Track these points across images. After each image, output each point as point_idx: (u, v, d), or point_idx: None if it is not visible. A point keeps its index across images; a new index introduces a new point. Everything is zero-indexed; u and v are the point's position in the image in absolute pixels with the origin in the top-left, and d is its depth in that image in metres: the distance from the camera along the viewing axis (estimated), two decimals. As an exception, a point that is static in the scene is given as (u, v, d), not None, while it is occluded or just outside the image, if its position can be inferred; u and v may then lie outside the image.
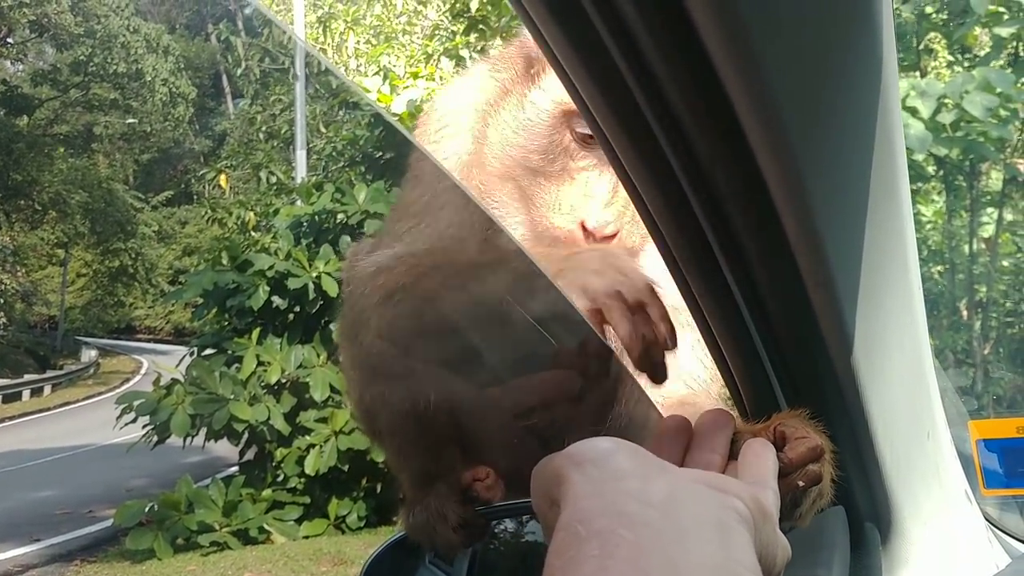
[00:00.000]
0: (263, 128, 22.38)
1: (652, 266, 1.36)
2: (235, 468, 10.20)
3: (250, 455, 9.57)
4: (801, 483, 1.02)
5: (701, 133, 0.77)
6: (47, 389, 26.57)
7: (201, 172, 35.75)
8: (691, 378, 1.51)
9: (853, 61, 0.73)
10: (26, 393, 25.23)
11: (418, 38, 15.01)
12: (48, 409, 23.67)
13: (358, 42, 15.53)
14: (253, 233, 13.35)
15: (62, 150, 35.24)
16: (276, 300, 9.19)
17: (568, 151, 1.54)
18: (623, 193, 1.43)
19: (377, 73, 12.27)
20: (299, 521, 8.86)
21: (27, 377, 26.81)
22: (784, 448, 1.04)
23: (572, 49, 0.72)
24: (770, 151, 0.75)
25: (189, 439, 9.00)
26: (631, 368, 1.23)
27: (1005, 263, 8.85)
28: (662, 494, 0.72)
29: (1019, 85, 7.77)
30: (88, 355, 34.72)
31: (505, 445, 1.48)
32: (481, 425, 1.50)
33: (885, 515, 1.24)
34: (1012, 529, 1.67)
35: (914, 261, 1.05)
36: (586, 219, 1.48)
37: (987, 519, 1.56)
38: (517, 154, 1.58)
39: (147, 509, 8.55)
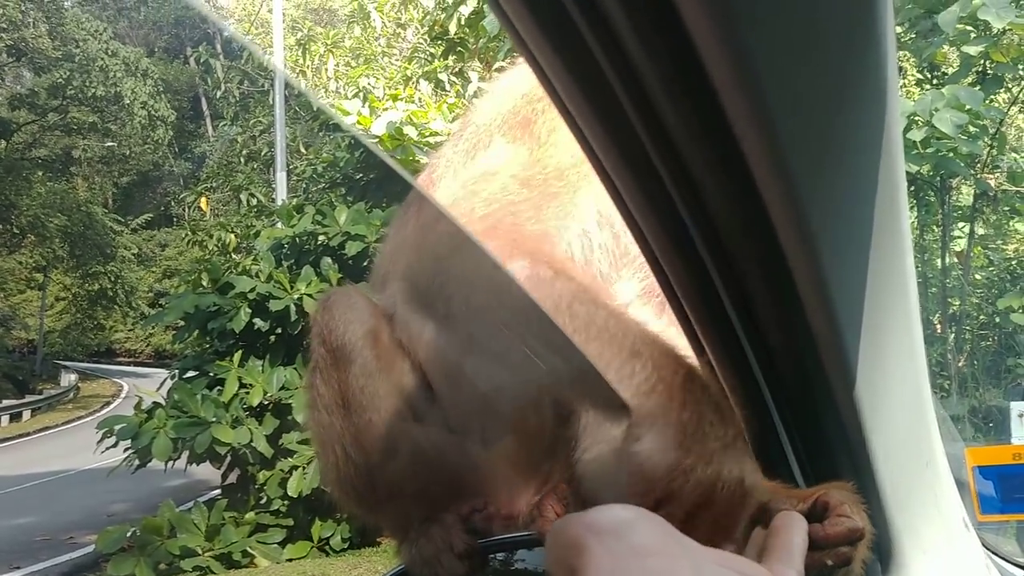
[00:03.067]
0: (243, 150, 22.38)
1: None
2: (217, 491, 10.14)
3: (233, 478, 9.50)
4: (830, 562, 1.00)
5: (709, 177, 0.78)
6: (26, 414, 26.31)
7: (181, 195, 35.68)
8: None
9: (860, 96, 0.73)
10: (5, 418, 24.97)
11: (397, 60, 15.09)
12: (27, 434, 23.43)
13: (337, 64, 15.60)
14: (234, 255, 13.35)
15: (40, 174, 35.10)
16: (258, 322, 9.15)
17: None
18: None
19: (356, 95, 12.32)
20: (282, 544, 8.79)
21: (5, 402, 26.54)
22: (824, 520, 1.02)
23: (581, 93, 0.73)
24: (775, 187, 0.76)
25: (171, 462, 8.93)
26: None
27: (977, 276, 8.98)
28: None
29: (988, 102, 7.91)
30: (68, 379, 34.41)
31: (500, 477, 1.49)
32: (476, 462, 1.51)
33: (885, 545, 1.24)
34: (1008, 554, 1.68)
35: (914, 292, 1.06)
36: None
37: (983, 545, 1.56)
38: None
39: (129, 534, 8.46)
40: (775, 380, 1.03)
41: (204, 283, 9.49)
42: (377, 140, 9.31)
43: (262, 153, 20.59)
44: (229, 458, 8.98)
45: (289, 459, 8.78)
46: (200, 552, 8.34)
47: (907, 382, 1.18)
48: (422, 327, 1.48)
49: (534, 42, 0.70)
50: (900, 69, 8.86)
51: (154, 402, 9.10)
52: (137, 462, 8.88)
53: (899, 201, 0.88)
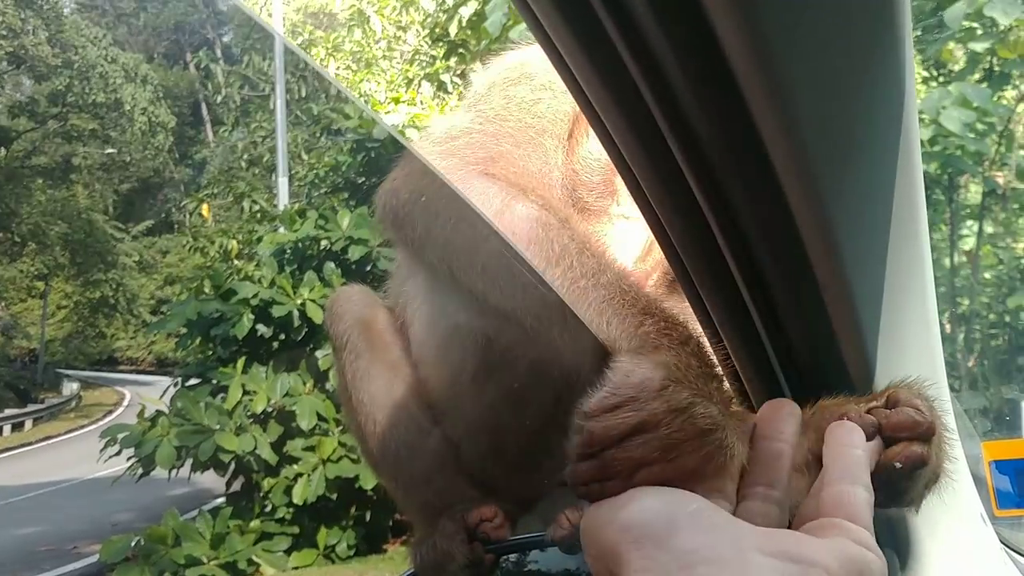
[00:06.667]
0: (244, 156, 22.38)
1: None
2: (222, 499, 10.11)
3: (237, 486, 9.48)
4: (899, 464, 0.90)
5: (726, 163, 0.77)
6: (28, 423, 26.28)
7: (182, 201, 35.77)
8: None
9: (878, 89, 0.73)
10: (7, 428, 24.95)
11: (398, 63, 15.07)
12: (30, 444, 23.40)
13: (338, 68, 15.58)
14: (236, 261, 13.31)
15: (41, 181, 35.07)
16: (261, 328, 9.13)
17: (615, 195, 1.49)
18: (656, 254, 1.39)
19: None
20: (288, 552, 8.77)
21: (7, 412, 26.53)
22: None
23: (605, 90, 0.73)
24: (796, 179, 0.75)
25: (174, 471, 8.91)
26: None
27: (987, 275, 8.93)
28: None
29: (995, 99, 7.87)
30: (70, 388, 34.41)
31: (515, 478, 1.47)
32: (489, 458, 1.50)
33: (904, 541, 1.23)
34: (1024, 549, 1.67)
35: (931, 284, 1.04)
36: None
37: (1000, 539, 1.56)
38: (570, 182, 1.52)
39: (133, 544, 8.42)
40: (794, 375, 1.02)
41: (206, 290, 9.47)
42: (380, 144, 9.28)
43: (263, 158, 20.57)
44: (233, 466, 8.96)
45: (294, 466, 8.78)
46: (205, 561, 8.31)
47: (925, 377, 1.15)
48: (416, 303, 1.51)
49: (559, 38, 0.71)
50: (906, 67, 8.81)
51: (157, 410, 9.10)
52: (141, 471, 8.88)
53: (917, 194, 0.89)
